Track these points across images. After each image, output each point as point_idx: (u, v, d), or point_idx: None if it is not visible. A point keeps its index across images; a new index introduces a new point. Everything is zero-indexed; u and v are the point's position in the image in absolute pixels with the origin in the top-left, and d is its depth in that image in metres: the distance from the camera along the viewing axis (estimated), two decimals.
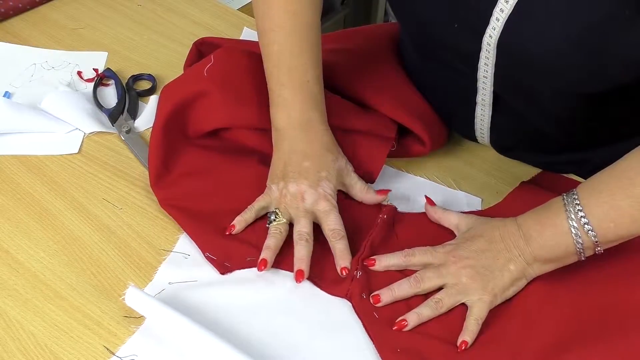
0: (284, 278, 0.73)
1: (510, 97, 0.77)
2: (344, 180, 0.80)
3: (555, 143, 0.82)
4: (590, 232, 0.64)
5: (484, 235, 0.70)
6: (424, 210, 0.80)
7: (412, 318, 0.68)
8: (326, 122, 0.80)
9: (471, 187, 0.85)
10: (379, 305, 0.69)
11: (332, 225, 0.74)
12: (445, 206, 0.80)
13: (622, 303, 0.67)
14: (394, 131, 0.84)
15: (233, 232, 0.76)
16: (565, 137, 0.81)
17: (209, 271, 0.74)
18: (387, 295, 0.70)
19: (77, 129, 0.90)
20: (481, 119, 0.82)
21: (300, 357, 0.66)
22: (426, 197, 0.79)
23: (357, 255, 0.73)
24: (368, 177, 0.83)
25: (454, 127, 0.90)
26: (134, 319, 0.69)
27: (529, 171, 0.87)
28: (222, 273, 0.74)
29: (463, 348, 0.66)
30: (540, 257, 0.68)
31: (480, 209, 0.82)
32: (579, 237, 0.65)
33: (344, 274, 0.71)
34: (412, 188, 0.84)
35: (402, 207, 0.81)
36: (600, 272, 0.70)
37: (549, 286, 0.69)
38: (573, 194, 0.66)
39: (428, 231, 0.78)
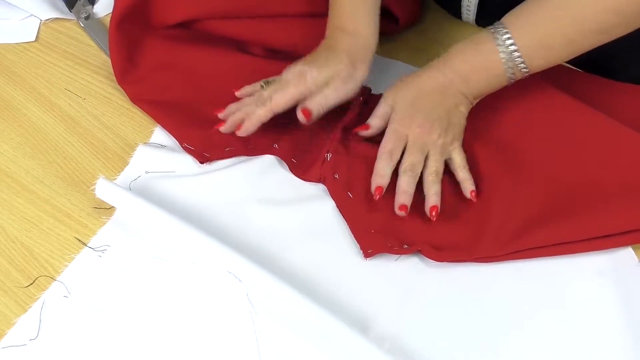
0: (263, 165, 0.72)
1: None
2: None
3: None
4: (521, 63, 0.66)
5: (427, 92, 0.70)
6: None
7: (435, 200, 0.67)
8: (362, 33, 0.74)
9: None
10: (405, 212, 0.67)
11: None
12: None
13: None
14: None
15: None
16: None
17: (187, 159, 0.73)
18: (404, 198, 0.67)
19: (32, 15, 0.86)
20: None
21: (280, 242, 0.67)
22: (357, 128, 0.73)
23: (331, 137, 0.72)
24: None
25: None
26: (105, 209, 0.68)
27: None
28: (202, 162, 0.73)
29: (473, 195, 0.68)
30: (478, 93, 0.70)
31: None
32: (511, 68, 0.67)
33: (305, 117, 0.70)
34: (385, 70, 0.83)
35: (376, 90, 0.79)
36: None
37: (512, 162, 0.70)
38: (502, 25, 0.67)
39: None
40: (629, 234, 0.64)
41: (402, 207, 0.67)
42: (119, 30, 0.78)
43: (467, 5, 0.82)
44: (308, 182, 0.72)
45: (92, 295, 0.62)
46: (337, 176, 0.70)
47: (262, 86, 0.73)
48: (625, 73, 0.77)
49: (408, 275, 0.65)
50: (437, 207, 0.67)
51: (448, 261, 0.65)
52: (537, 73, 0.68)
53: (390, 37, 0.85)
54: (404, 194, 0.67)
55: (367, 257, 0.66)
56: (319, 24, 0.78)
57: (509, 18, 0.67)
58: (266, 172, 0.72)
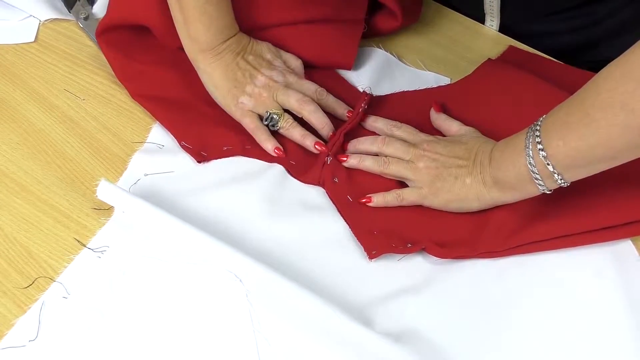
0: (263, 168, 0.72)
1: None
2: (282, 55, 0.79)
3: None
4: (540, 151, 0.59)
5: (466, 144, 0.69)
6: (394, 91, 0.79)
7: (378, 199, 0.69)
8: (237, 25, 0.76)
9: (439, 67, 0.83)
10: (344, 163, 0.71)
11: (313, 87, 0.75)
12: (412, 87, 0.79)
13: None
14: (363, 11, 0.80)
15: (282, 154, 0.73)
16: None
17: (185, 161, 0.73)
18: (354, 158, 0.71)
19: (31, 16, 0.86)
20: None
21: (282, 244, 0.67)
22: (434, 103, 0.76)
23: (331, 141, 0.72)
24: (342, 66, 0.81)
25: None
26: (104, 210, 0.68)
27: (496, 51, 0.85)
28: (199, 161, 0.73)
29: (363, 201, 0.69)
30: (496, 179, 0.64)
31: None
32: (531, 157, 0.60)
33: (349, 115, 0.74)
34: (382, 67, 0.83)
35: (373, 88, 0.79)
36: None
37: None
38: (539, 120, 0.61)
39: (399, 113, 0.77)
40: (629, 226, 0.64)
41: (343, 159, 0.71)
42: (106, 34, 0.78)
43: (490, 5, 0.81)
44: (308, 185, 0.72)
45: (91, 296, 0.62)
46: (336, 180, 0.70)
47: (276, 123, 0.73)
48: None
49: (411, 273, 0.65)
50: (371, 201, 0.69)
51: (451, 258, 0.65)
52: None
53: (389, 35, 0.85)
54: (356, 158, 0.71)
55: (371, 259, 0.65)
56: (314, 30, 0.78)
57: (546, 127, 0.60)
58: (267, 173, 0.72)
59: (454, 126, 0.73)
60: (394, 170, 0.70)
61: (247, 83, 0.74)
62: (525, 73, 0.77)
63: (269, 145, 0.72)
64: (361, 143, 0.73)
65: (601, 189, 0.66)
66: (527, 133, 0.61)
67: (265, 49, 0.77)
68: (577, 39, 0.84)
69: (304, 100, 0.73)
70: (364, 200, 0.69)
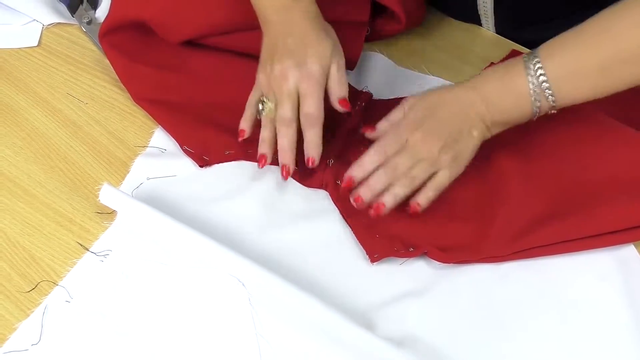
0: (264, 170, 0.72)
1: None
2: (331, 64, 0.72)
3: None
4: (549, 96, 0.63)
5: (444, 105, 0.67)
6: (394, 96, 0.78)
7: (389, 200, 0.66)
8: (314, 2, 0.73)
9: (442, 72, 0.83)
10: (360, 203, 0.66)
11: (307, 109, 0.67)
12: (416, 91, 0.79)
13: (589, 171, 0.68)
14: (367, 13, 0.80)
15: (245, 137, 0.71)
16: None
17: (188, 165, 0.73)
18: (366, 192, 0.66)
19: (34, 20, 0.86)
20: None
21: (284, 247, 0.67)
22: (364, 127, 0.71)
23: (333, 143, 0.72)
24: (347, 66, 0.81)
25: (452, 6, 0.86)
26: (107, 214, 0.68)
27: (499, 56, 0.85)
28: (201, 166, 0.73)
29: (413, 211, 0.65)
30: (498, 121, 0.66)
31: None
32: (538, 100, 0.63)
33: (311, 165, 0.68)
34: (384, 73, 0.83)
35: (375, 92, 0.79)
36: (563, 139, 0.70)
37: (518, 162, 0.69)
38: (534, 54, 0.64)
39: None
40: (633, 231, 0.64)
41: (357, 198, 0.65)
42: (109, 36, 0.78)
43: (484, 12, 0.81)
44: (311, 189, 0.71)
45: (94, 300, 0.62)
46: (339, 182, 0.70)
47: (260, 110, 0.70)
48: None
49: (414, 277, 0.65)
50: (383, 208, 0.65)
51: (454, 262, 0.65)
52: None
53: (392, 39, 0.85)
54: (366, 188, 0.65)
55: (373, 262, 0.65)
56: None
57: (543, 47, 0.64)
58: (269, 176, 0.72)
59: (398, 108, 0.69)
60: (420, 173, 0.66)
61: (273, 64, 0.69)
62: None
63: (240, 124, 0.71)
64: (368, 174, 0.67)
65: (604, 193, 0.66)
66: (524, 60, 0.63)
67: (316, 45, 0.69)
68: None
69: (284, 122, 0.68)
70: (374, 212, 0.65)
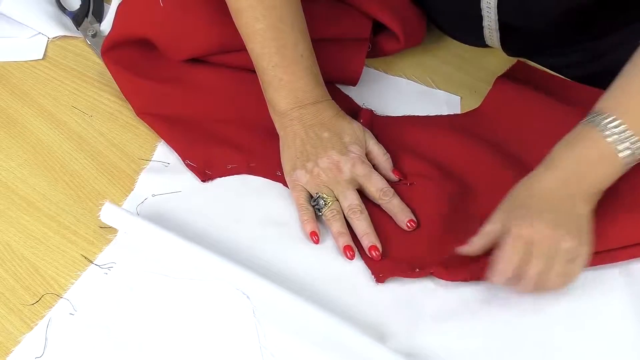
0: (269, 186, 0.72)
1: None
2: (366, 142, 0.74)
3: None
4: (610, 123, 0.60)
5: (540, 196, 0.62)
6: (402, 114, 0.79)
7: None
8: (328, 94, 0.75)
9: (448, 85, 0.83)
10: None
11: (379, 185, 0.69)
12: (423, 105, 0.79)
13: None
14: (368, 30, 0.81)
15: (319, 237, 0.68)
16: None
17: (191, 179, 0.73)
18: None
19: (40, 33, 0.87)
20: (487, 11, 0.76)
21: (288, 261, 0.66)
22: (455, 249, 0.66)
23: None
24: (349, 82, 0.81)
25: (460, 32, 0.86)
26: (111, 227, 0.68)
27: (505, 68, 0.85)
28: (203, 180, 0.73)
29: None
30: (597, 190, 0.62)
31: (459, 107, 0.81)
32: (629, 152, 0.60)
33: (411, 225, 0.68)
34: (390, 88, 0.83)
35: (380, 109, 0.79)
36: None
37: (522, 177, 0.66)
38: (597, 113, 0.61)
39: (405, 134, 0.77)
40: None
41: None
42: (111, 51, 0.79)
43: (489, 31, 0.80)
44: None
45: (98, 313, 0.62)
46: None
47: (321, 207, 0.69)
48: None
49: (419, 294, 0.64)
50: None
51: (460, 280, 0.64)
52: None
53: (398, 54, 0.85)
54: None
55: (379, 282, 0.65)
56: (321, 46, 0.77)
57: (603, 105, 0.62)
58: (271, 191, 0.72)
59: (488, 225, 0.63)
60: (537, 267, 0.60)
61: (311, 159, 0.70)
62: (537, 94, 0.77)
63: (307, 227, 0.68)
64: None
65: (613, 211, 0.65)
66: (582, 125, 0.62)
67: (347, 130, 0.72)
68: (576, 73, 0.83)
69: (357, 210, 0.68)
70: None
